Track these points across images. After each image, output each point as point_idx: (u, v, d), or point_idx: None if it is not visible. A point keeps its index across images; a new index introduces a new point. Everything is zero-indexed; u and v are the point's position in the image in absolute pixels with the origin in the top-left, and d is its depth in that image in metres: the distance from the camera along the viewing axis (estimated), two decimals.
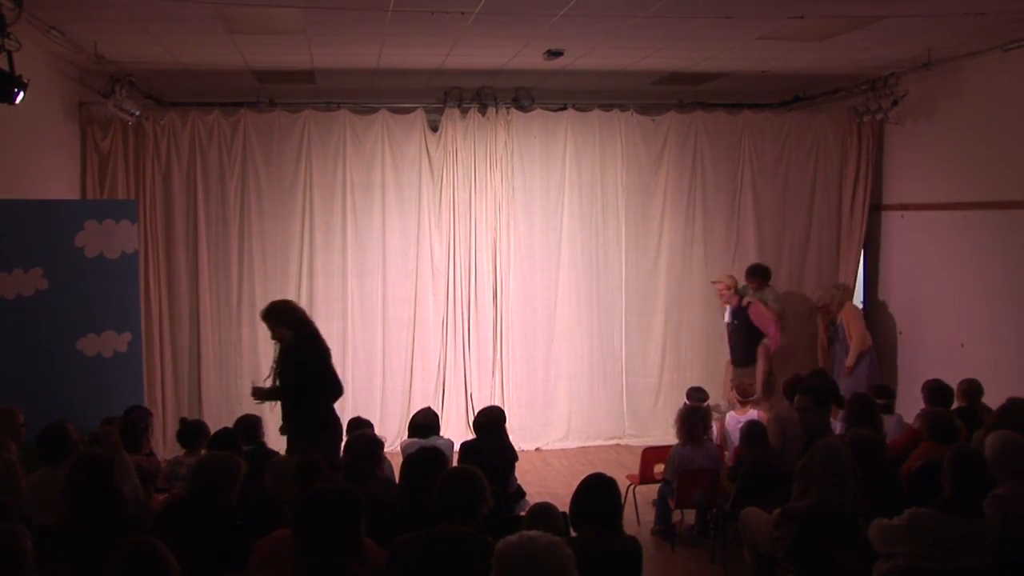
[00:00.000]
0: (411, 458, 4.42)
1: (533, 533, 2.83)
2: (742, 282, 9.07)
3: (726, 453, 7.13)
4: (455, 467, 4.54)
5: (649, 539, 6.62)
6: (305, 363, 6.08)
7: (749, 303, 8.81)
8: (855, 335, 8.61)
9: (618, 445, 9.50)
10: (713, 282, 9.19)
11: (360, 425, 6.36)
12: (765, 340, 8.80)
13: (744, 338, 8.87)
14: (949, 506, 4.00)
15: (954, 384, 6.55)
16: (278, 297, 9.10)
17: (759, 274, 8.97)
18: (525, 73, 8.60)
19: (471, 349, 9.44)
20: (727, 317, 9.04)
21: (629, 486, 6.97)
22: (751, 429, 6.13)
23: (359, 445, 4.89)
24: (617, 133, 9.53)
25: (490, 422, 6.14)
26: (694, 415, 6.57)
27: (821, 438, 5.12)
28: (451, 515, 3.61)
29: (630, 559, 4.03)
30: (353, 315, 9.26)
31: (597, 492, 4.05)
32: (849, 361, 8.65)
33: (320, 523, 3.19)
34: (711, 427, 6.97)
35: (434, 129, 9.38)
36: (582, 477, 4.21)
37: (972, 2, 6.10)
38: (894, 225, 9.39)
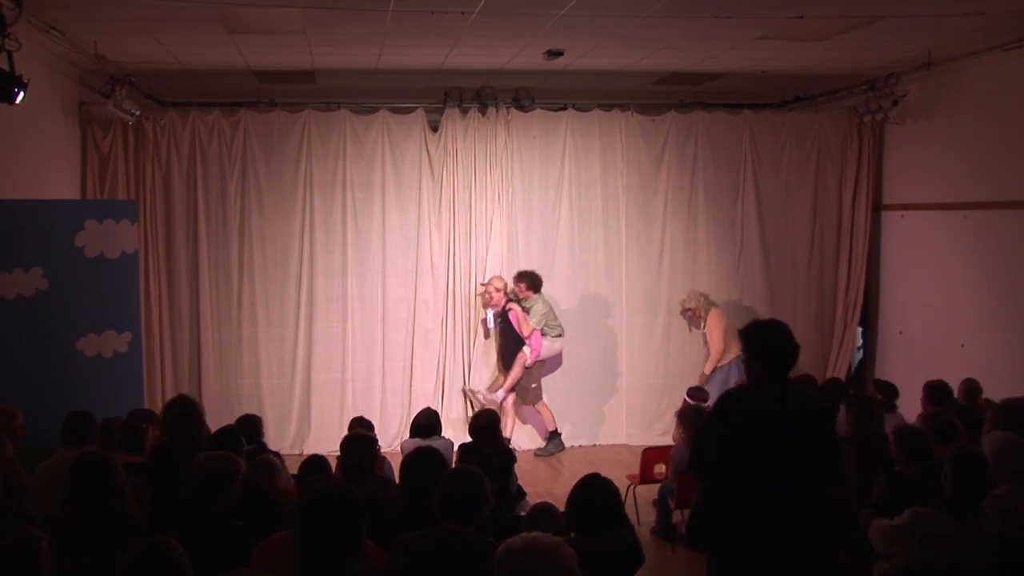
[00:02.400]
0: (409, 459, 4.42)
1: (535, 534, 2.83)
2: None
3: None
4: (457, 467, 4.55)
5: (649, 539, 6.62)
6: None
7: (510, 308, 8.85)
8: (713, 344, 8.71)
9: (618, 445, 9.50)
10: (483, 283, 9.16)
11: (361, 425, 6.37)
12: (526, 348, 8.84)
13: (508, 342, 8.96)
14: (949, 506, 4.00)
15: (954, 384, 6.55)
16: (278, 296, 9.18)
17: (527, 279, 8.91)
18: (525, 73, 8.60)
19: (471, 348, 9.44)
20: (490, 319, 9.08)
21: (629, 486, 6.97)
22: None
23: (355, 445, 4.89)
24: (617, 133, 9.52)
25: (487, 424, 6.15)
26: (702, 417, 6.53)
27: None
28: (453, 514, 3.61)
29: (630, 558, 4.03)
30: (353, 315, 9.27)
31: (592, 494, 4.04)
32: (706, 369, 8.78)
33: (321, 524, 3.19)
34: None
35: (434, 129, 9.38)
36: (581, 477, 4.21)
37: (972, 2, 6.10)
38: (894, 225, 9.39)
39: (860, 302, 9.64)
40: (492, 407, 8.88)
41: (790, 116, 9.85)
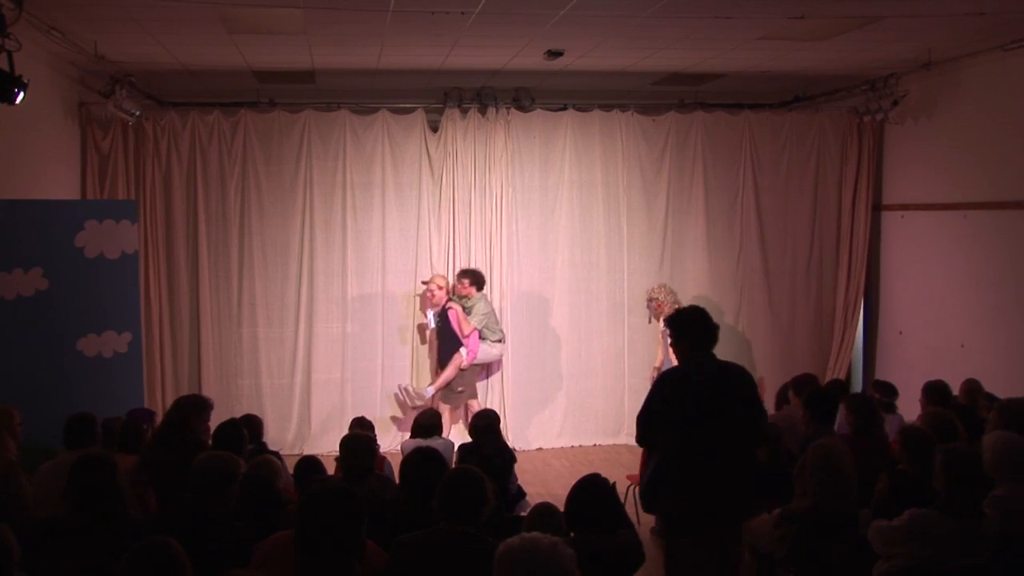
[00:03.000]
0: (409, 459, 4.42)
1: (534, 534, 2.84)
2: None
3: None
4: (458, 467, 4.55)
5: (649, 538, 6.61)
6: None
7: (450, 306, 8.72)
8: None
9: (618, 445, 9.50)
10: (424, 282, 9.03)
11: (361, 425, 6.37)
12: (463, 349, 8.70)
13: (445, 341, 8.81)
14: (947, 506, 4.00)
15: (954, 384, 6.55)
16: (278, 297, 9.18)
17: (471, 276, 8.82)
18: (525, 73, 8.60)
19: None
20: (431, 319, 8.93)
21: (629, 486, 6.97)
22: (767, 432, 6.08)
23: (355, 445, 4.89)
24: (617, 133, 9.52)
25: (487, 424, 6.15)
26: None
27: (817, 439, 5.12)
28: (453, 515, 3.61)
29: (630, 558, 4.04)
30: (353, 315, 9.26)
31: (590, 494, 4.05)
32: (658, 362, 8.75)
33: (321, 524, 3.19)
34: None
35: (434, 129, 9.38)
36: (580, 477, 4.22)
37: (972, 2, 6.10)
38: (894, 225, 9.39)
39: (860, 302, 9.64)
40: (420, 403, 8.79)
41: (790, 116, 9.84)
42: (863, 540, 4.35)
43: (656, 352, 9.12)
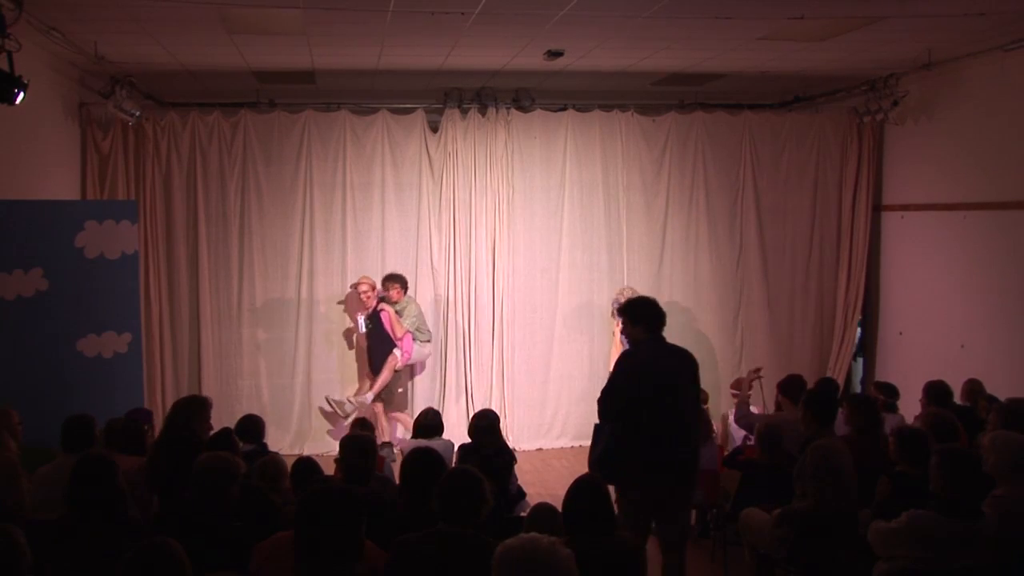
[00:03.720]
0: (409, 459, 4.43)
1: (533, 535, 2.84)
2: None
3: (725, 453, 7.11)
4: (456, 468, 4.55)
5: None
6: None
7: (382, 308, 8.66)
8: None
9: None
10: (353, 285, 8.94)
11: (363, 426, 6.37)
12: (397, 351, 8.64)
13: (377, 344, 8.72)
14: (945, 507, 4.00)
15: (954, 384, 6.54)
16: (278, 297, 9.18)
17: (400, 281, 8.76)
18: (525, 73, 8.60)
19: (471, 349, 9.44)
20: (361, 323, 8.80)
21: None
22: (767, 432, 6.09)
23: (355, 445, 4.89)
24: (617, 134, 9.52)
25: (487, 424, 6.15)
26: (702, 417, 6.51)
27: (817, 439, 5.12)
28: (452, 515, 3.62)
29: (630, 559, 4.03)
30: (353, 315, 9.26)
31: (586, 494, 4.04)
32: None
33: (321, 524, 3.19)
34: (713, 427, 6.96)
35: (434, 129, 9.38)
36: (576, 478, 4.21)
37: (972, 2, 6.11)
38: (894, 225, 9.39)
39: (860, 302, 9.64)
40: (361, 412, 8.63)
41: (790, 116, 9.85)
42: (863, 540, 4.35)
43: (610, 352, 9.08)
